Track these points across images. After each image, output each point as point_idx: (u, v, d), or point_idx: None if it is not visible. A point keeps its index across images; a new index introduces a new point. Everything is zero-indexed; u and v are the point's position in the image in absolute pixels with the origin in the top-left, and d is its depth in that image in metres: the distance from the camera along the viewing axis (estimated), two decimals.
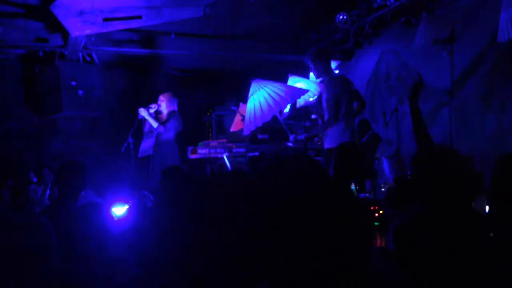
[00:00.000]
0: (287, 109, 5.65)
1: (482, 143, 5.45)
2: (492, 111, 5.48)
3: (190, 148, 6.73)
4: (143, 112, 5.97)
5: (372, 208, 4.66)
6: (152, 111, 6.03)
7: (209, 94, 8.83)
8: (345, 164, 3.40)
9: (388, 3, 6.58)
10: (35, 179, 6.35)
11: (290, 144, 5.22)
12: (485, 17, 5.42)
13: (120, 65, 8.21)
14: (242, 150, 6.34)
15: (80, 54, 7.44)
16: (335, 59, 8.03)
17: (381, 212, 4.63)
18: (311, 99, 5.53)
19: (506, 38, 4.77)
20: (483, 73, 5.62)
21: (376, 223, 4.51)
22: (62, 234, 1.79)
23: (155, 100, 6.16)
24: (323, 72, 5.07)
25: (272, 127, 5.72)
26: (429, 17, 6.16)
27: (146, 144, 6.21)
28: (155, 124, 5.94)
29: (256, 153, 6.18)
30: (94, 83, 7.54)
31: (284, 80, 5.64)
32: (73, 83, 7.28)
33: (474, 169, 2.39)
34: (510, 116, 5.26)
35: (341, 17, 6.98)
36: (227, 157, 6.15)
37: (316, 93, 5.33)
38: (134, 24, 6.22)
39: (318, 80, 5.23)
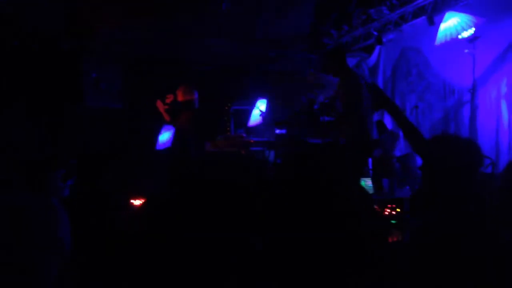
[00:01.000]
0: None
1: (501, 144, 5.38)
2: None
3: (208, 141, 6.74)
4: (159, 105, 6.02)
5: (388, 205, 4.62)
6: (167, 102, 6.03)
7: (228, 89, 8.85)
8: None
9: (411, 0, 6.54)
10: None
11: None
12: (508, 15, 5.33)
13: (140, 60, 8.28)
14: (258, 149, 6.32)
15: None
16: (355, 56, 7.99)
17: (398, 210, 4.59)
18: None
19: None
20: (505, 72, 5.55)
21: (393, 221, 4.48)
22: None
23: (173, 92, 6.15)
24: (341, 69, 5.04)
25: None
26: (452, 15, 6.09)
27: (165, 136, 6.25)
28: (167, 119, 5.99)
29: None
30: (115, 76, 7.66)
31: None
32: (94, 75, 7.39)
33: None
34: None
35: (362, 13, 6.96)
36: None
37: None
38: None
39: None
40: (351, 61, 8.25)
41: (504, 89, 5.54)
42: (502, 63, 5.57)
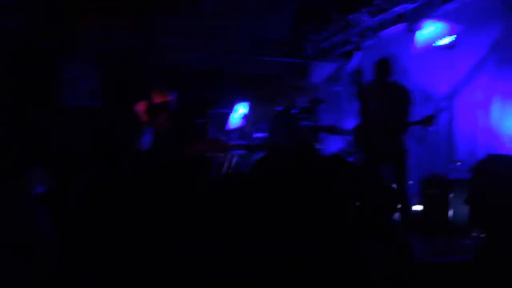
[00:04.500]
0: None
1: (479, 150, 5.48)
2: (489, 118, 5.51)
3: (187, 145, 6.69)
4: (138, 106, 5.90)
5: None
6: (144, 107, 5.90)
7: (206, 93, 8.81)
8: None
9: (390, 7, 6.62)
10: None
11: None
12: (485, 24, 5.44)
13: (118, 57, 8.19)
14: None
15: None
16: (334, 61, 8.06)
17: None
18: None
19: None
20: (481, 80, 5.65)
21: None
22: None
23: (151, 93, 6.05)
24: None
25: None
26: (430, 23, 6.19)
27: (144, 140, 6.15)
28: (145, 120, 5.84)
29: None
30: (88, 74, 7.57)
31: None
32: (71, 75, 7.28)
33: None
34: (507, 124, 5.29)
35: (341, 19, 7.03)
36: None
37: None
38: None
39: None
40: (330, 67, 8.31)
41: (479, 96, 5.65)
42: (478, 71, 5.67)
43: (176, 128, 5.85)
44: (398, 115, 5.24)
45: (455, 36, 5.62)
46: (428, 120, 5.05)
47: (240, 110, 6.58)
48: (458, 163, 5.19)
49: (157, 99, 5.86)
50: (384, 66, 5.51)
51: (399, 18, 6.73)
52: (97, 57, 7.67)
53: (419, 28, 6.24)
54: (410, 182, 5.26)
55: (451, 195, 4.89)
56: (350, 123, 6.22)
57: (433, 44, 5.95)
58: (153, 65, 7.81)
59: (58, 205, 2.51)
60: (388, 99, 5.30)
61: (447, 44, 5.70)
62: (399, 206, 4.77)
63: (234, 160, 6.08)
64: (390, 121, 5.23)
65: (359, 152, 5.62)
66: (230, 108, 7.17)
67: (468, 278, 1.88)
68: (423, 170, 5.72)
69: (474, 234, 4.35)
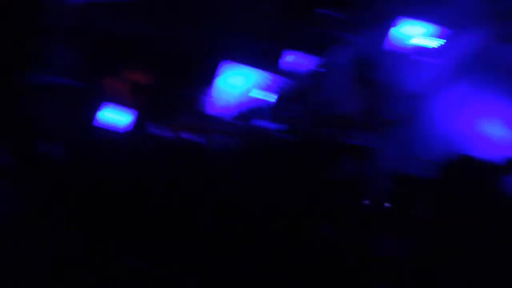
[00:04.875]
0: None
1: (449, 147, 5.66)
2: (458, 117, 5.71)
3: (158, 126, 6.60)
4: (111, 83, 5.76)
5: None
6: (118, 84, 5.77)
7: (190, 73, 8.68)
8: None
9: (367, 4, 6.72)
10: None
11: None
12: (466, 28, 5.61)
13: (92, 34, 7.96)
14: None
15: None
16: (310, 53, 8.09)
17: None
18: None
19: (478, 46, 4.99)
20: (452, 81, 5.83)
21: None
22: None
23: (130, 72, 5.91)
24: None
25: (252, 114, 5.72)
26: (404, 22, 6.32)
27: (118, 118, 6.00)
28: (119, 98, 5.74)
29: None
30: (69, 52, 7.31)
31: None
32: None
33: None
34: (473, 122, 5.50)
35: (320, 11, 7.08)
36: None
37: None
38: None
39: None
40: (307, 60, 8.34)
41: (453, 97, 5.83)
42: (454, 72, 5.85)
43: (155, 108, 5.76)
44: (374, 111, 5.35)
45: (433, 36, 5.78)
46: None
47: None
48: (430, 162, 5.34)
49: (137, 77, 5.74)
50: (361, 62, 5.61)
51: (376, 17, 6.84)
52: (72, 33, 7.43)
53: (396, 26, 6.35)
54: (381, 178, 5.38)
55: (421, 193, 5.02)
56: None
57: (410, 43, 6.08)
58: (135, 42, 7.63)
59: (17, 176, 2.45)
60: (365, 95, 5.41)
61: (424, 44, 5.86)
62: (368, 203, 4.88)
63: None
64: (365, 117, 5.34)
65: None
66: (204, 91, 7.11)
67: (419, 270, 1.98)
68: (394, 168, 5.88)
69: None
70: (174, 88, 7.98)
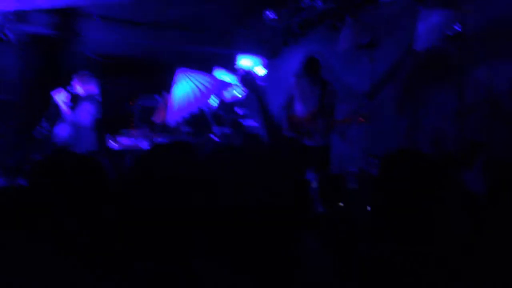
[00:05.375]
0: (215, 103, 5.65)
1: (396, 144, 5.78)
2: (405, 115, 5.85)
3: (109, 136, 6.50)
4: (57, 96, 5.53)
5: None
6: (63, 97, 5.55)
7: (133, 82, 8.58)
8: None
9: (316, 5, 6.78)
10: None
11: (214, 137, 5.23)
12: (403, 26, 5.74)
13: (38, 47, 7.77)
14: (164, 140, 6.24)
15: None
16: (261, 56, 8.14)
17: None
18: (239, 96, 5.58)
19: (423, 47, 5.11)
20: (400, 79, 5.97)
21: None
22: None
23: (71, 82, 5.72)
24: None
25: (198, 120, 5.70)
26: (352, 23, 6.41)
27: (64, 131, 5.82)
28: (65, 110, 5.51)
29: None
30: (8, 65, 7.08)
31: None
32: None
33: None
34: (421, 119, 5.63)
35: (269, 14, 7.09)
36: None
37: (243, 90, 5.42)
38: (57, 2, 5.89)
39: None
40: (256, 61, 8.39)
41: (397, 95, 5.97)
42: (396, 71, 5.99)
43: (99, 120, 5.61)
44: (322, 111, 5.40)
45: (373, 36, 5.92)
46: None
47: (167, 102, 6.49)
48: (377, 159, 5.44)
49: (79, 88, 5.58)
50: (310, 63, 5.66)
51: (324, 17, 6.92)
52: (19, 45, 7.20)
53: (343, 27, 6.44)
54: (331, 176, 5.44)
55: (369, 190, 5.09)
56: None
57: (355, 44, 6.19)
58: (80, 53, 7.49)
59: None
60: (313, 96, 5.46)
61: (367, 44, 5.98)
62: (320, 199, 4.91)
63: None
64: (314, 117, 5.39)
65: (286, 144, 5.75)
66: (156, 99, 7.04)
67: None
68: (343, 165, 5.97)
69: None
70: (128, 97, 7.90)
